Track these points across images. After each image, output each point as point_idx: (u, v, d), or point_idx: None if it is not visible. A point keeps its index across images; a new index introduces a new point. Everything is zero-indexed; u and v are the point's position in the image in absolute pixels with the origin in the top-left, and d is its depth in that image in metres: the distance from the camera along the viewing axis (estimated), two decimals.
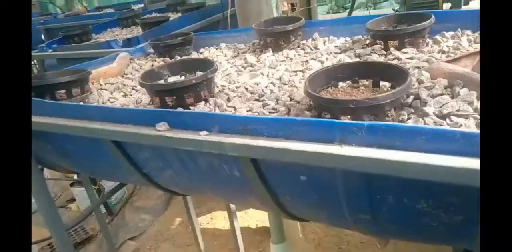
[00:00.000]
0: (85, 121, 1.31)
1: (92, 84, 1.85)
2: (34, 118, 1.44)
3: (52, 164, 1.99)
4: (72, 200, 4.75)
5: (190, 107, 1.29)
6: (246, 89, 1.43)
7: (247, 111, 1.25)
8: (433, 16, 1.47)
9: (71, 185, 4.56)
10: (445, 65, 1.17)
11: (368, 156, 0.78)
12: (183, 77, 1.48)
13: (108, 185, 3.87)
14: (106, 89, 1.79)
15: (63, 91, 1.54)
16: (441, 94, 1.06)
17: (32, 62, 3.09)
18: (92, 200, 2.72)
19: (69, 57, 2.63)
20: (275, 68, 1.63)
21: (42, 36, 4.05)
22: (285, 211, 1.21)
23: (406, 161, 0.74)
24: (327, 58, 1.60)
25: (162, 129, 1.12)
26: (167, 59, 2.06)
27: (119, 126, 1.22)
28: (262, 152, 0.94)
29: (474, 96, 1.00)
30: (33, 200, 1.66)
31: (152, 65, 2.04)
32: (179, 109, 1.25)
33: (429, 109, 1.00)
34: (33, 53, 2.92)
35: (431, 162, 0.71)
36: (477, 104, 0.99)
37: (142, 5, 4.32)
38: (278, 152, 0.91)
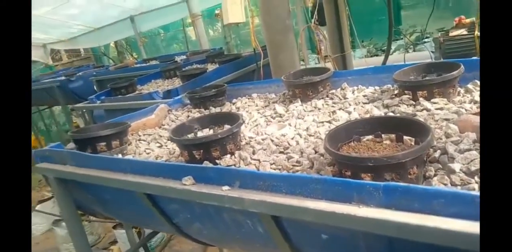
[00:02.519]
0: (120, 173, 1.39)
1: (132, 135, 1.97)
2: (76, 170, 1.54)
3: (92, 211, 2.07)
4: (115, 242, 4.85)
5: (217, 160, 1.33)
6: (272, 141, 1.45)
7: (271, 164, 1.26)
8: (462, 66, 1.46)
9: (114, 227, 4.68)
10: (473, 118, 1.14)
11: (384, 219, 0.76)
12: (211, 131, 1.54)
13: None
14: (144, 140, 1.89)
15: (104, 143, 1.65)
16: (469, 150, 1.02)
17: (81, 112, 3.36)
18: (132, 243, 2.77)
19: (115, 108, 2.83)
20: (302, 119, 1.65)
21: (94, 87, 4.41)
22: None
23: (422, 225, 0.71)
24: (354, 108, 1.60)
25: (187, 183, 1.16)
26: (202, 109, 2.16)
27: (149, 179, 1.27)
28: (280, 209, 0.94)
29: None
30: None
31: (188, 116, 2.14)
32: (205, 163, 1.29)
33: (455, 166, 0.97)
34: (83, 104, 3.19)
35: (447, 227, 0.68)
36: None
37: (184, 57, 4.63)
38: (295, 210, 0.91)
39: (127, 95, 3.05)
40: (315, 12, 3.13)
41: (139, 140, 1.90)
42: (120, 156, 1.67)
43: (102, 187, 1.53)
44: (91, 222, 5.11)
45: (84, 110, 3.40)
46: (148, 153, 1.69)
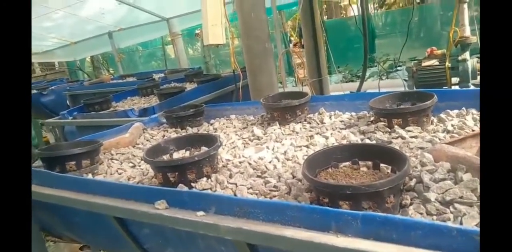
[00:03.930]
0: (89, 195, 1.32)
1: (104, 154, 1.90)
2: (41, 189, 1.47)
3: (58, 234, 1.96)
4: None
5: (192, 183, 1.29)
6: (250, 164, 1.44)
7: (248, 188, 1.24)
8: (435, 96, 1.50)
9: (81, 248, 4.45)
10: (447, 148, 1.16)
11: (363, 249, 0.75)
12: (188, 152, 1.51)
13: None
14: (116, 159, 1.83)
15: (73, 162, 1.58)
16: (444, 179, 1.03)
17: (52, 127, 3.24)
18: None
19: (88, 124, 2.74)
20: (280, 142, 1.65)
21: (67, 102, 4.29)
22: None
23: None
24: (331, 134, 1.62)
25: (160, 207, 1.11)
26: (179, 129, 2.13)
27: (120, 202, 1.22)
28: (256, 237, 0.92)
29: (477, 183, 0.98)
30: None
31: (164, 136, 2.10)
32: (180, 186, 1.26)
33: (431, 195, 0.98)
34: (53, 119, 3.08)
35: None
36: None
37: (162, 75, 4.60)
38: (272, 239, 0.88)
39: (101, 112, 2.97)
40: (295, 35, 3.20)
41: (112, 159, 1.83)
42: (90, 176, 1.61)
43: (69, 209, 1.46)
44: (57, 243, 4.84)
45: (55, 126, 3.28)
46: (120, 174, 1.63)
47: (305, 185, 1.17)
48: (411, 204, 0.99)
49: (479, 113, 1.53)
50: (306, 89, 3.68)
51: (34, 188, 1.49)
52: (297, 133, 1.74)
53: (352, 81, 7.35)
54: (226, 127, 2.06)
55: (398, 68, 6.85)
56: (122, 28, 6.62)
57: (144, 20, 6.36)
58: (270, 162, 1.44)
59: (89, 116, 2.85)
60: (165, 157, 1.49)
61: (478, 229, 0.70)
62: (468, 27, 2.86)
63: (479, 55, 3.16)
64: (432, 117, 1.55)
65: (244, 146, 1.72)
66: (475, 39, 2.83)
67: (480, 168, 0.67)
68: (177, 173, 1.29)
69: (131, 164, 1.74)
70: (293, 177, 1.27)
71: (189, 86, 3.53)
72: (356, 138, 1.52)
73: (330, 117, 1.86)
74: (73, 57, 8.04)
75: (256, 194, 1.20)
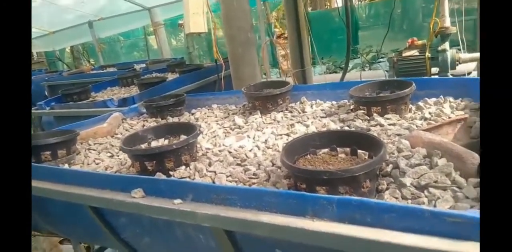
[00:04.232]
0: (65, 185, 1.29)
1: (81, 144, 1.87)
2: None
3: (36, 227, 1.92)
4: None
5: (170, 172, 1.28)
6: (230, 152, 1.43)
7: (227, 176, 1.23)
8: (413, 84, 1.52)
9: (61, 242, 4.39)
10: (423, 134, 1.17)
11: (337, 233, 0.75)
12: (167, 141, 1.49)
13: None
14: (94, 150, 1.79)
15: (48, 152, 1.54)
16: (420, 164, 1.05)
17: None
18: None
19: (65, 115, 2.68)
20: (261, 131, 1.64)
21: (46, 93, 4.18)
22: None
23: (374, 239, 0.71)
24: (312, 122, 1.62)
25: (137, 196, 1.10)
26: (159, 119, 2.10)
27: (96, 191, 1.20)
28: (233, 223, 0.91)
29: (451, 168, 0.99)
30: None
31: (144, 126, 2.07)
32: (158, 175, 1.24)
33: (407, 180, 0.99)
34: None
35: (397, 242, 0.68)
36: (454, 175, 0.98)
37: (144, 65, 4.52)
38: (249, 225, 0.88)
39: (79, 102, 2.91)
40: (279, 26, 3.18)
41: (89, 149, 1.80)
42: (66, 166, 1.57)
43: (46, 200, 1.42)
44: (36, 237, 4.76)
45: (32, 117, 3.20)
46: (97, 164, 1.60)
47: (284, 172, 1.16)
48: (387, 189, 1.00)
49: (456, 101, 1.55)
50: (290, 80, 3.67)
51: None
52: (278, 122, 1.74)
53: (336, 72, 7.38)
54: (208, 116, 2.04)
55: (381, 59, 6.91)
56: (102, 17, 6.46)
57: (125, 9, 6.21)
58: (250, 151, 1.44)
59: (67, 107, 2.79)
60: (143, 146, 1.47)
61: (450, 211, 0.71)
62: (448, 18, 2.89)
63: (458, 46, 3.20)
64: (411, 105, 1.56)
65: (225, 135, 1.70)
66: (454, 30, 2.86)
67: (480, 166, 0.67)
68: (154, 161, 1.27)
69: (109, 154, 1.71)
70: (273, 164, 1.27)
71: (171, 76, 3.48)
72: (336, 126, 1.53)
73: (311, 106, 1.86)
74: (52, 47, 7.82)
75: (236, 181, 1.20)
